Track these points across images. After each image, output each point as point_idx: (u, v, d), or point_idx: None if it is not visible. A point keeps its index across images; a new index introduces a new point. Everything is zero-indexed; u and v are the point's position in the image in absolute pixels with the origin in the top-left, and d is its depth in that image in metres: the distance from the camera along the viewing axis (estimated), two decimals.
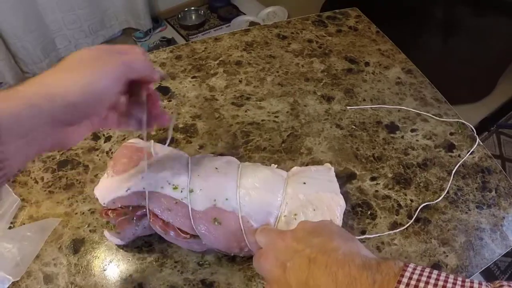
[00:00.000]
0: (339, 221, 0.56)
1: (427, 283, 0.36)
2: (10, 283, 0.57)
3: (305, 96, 0.79)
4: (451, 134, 0.73)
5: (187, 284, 0.57)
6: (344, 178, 0.67)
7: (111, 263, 0.59)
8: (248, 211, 0.54)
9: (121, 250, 0.60)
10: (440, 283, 0.35)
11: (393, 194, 0.66)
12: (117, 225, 0.56)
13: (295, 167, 0.63)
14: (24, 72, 2.09)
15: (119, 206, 0.55)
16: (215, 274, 0.58)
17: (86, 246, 0.61)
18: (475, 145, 0.71)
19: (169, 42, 2.33)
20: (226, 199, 0.54)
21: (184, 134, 0.74)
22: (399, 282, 0.37)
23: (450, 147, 0.71)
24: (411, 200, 0.65)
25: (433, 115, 0.75)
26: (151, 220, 0.55)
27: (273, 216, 0.55)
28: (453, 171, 0.68)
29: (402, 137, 0.73)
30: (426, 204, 0.64)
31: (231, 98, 0.79)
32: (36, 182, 0.69)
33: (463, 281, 0.35)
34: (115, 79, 0.40)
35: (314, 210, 0.56)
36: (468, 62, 1.38)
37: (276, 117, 0.76)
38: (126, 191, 0.54)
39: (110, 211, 0.56)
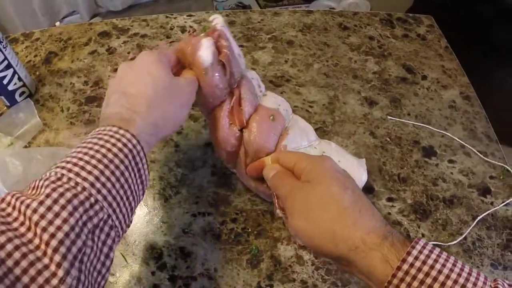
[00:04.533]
0: None
1: (438, 256, 0.36)
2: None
3: (348, 94, 0.74)
4: (491, 177, 0.66)
5: (166, 247, 0.57)
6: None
7: None
8: (292, 125, 0.59)
9: None
10: (449, 264, 0.36)
11: (405, 222, 0.61)
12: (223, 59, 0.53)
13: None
14: (98, 5, 2.17)
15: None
16: (195, 245, 0.57)
17: None
18: None
19: (244, 8, 2.30)
20: (286, 110, 0.60)
21: None
22: (408, 253, 0.36)
23: (485, 191, 0.64)
24: (423, 235, 0.60)
25: (478, 151, 0.68)
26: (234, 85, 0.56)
27: (307, 140, 0.59)
28: (479, 217, 0.61)
29: (437, 165, 0.67)
30: (437, 244, 0.59)
31: (271, 76, 0.76)
32: (62, 110, 0.70)
33: (470, 272, 0.36)
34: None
35: (339, 162, 0.53)
36: None
37: (311, 107, 0.72)
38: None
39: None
